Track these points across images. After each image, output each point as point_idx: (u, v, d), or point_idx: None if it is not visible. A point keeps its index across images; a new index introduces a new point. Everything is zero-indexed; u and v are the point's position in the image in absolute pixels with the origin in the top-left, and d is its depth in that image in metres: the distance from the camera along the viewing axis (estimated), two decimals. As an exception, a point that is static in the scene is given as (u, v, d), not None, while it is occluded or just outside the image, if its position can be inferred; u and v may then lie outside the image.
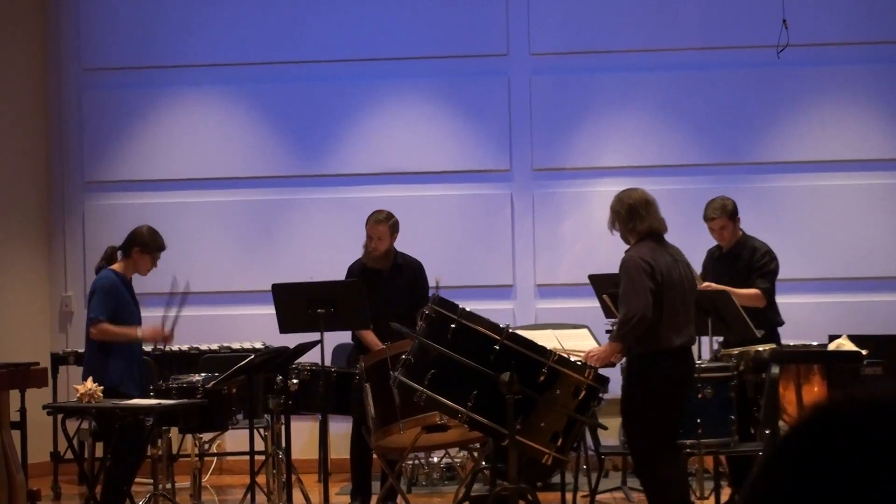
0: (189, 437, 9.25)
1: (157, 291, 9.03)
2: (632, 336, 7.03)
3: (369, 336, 8.59)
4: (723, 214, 8.80)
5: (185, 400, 8.16)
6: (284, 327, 8.44)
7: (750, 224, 9.07)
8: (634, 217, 7.19)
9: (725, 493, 8.43)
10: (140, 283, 8.64)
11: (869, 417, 1.24)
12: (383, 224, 8.86)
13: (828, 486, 1.22)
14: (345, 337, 9.27)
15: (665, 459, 7.11)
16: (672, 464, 7.18)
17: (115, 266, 8.40)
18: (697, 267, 7.98)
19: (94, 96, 11.35)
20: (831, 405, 1.27)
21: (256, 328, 10.35)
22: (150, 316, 8.65)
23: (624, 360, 7.35)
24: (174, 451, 8.88)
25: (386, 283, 8.80)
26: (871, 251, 10.74)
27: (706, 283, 8.50)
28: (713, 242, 9.00)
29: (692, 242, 8.63)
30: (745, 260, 8.81)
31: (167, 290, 8.64)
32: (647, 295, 6.97)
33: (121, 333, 8.23)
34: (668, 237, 7.37)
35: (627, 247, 7.27)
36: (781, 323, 8.84)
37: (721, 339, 8.73)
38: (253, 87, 11.26)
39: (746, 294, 8.61)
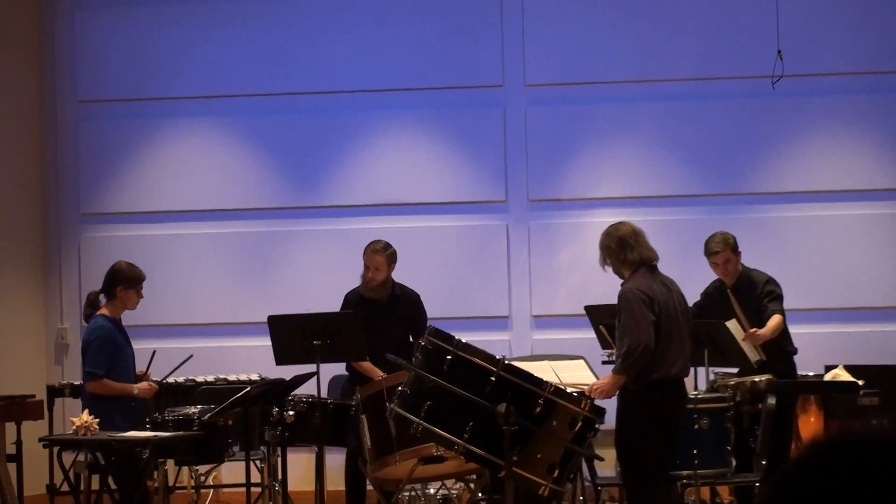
0: (185, 469, 9.22)
1: (150, 323, 9.00)
2: (635, 368, 7.05)
3: (367, 364, 8.57)
4: (726, 248, 8.75)
5: (181, 432, 8.13)
6: (280, 359, 8.43)
7: (746, 254, 9.06)
8: (625, 248, 7.23)
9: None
10: (142, 315, 8.63)
11: (867, 454, 1.24)
12: (380, 254, 8.84)
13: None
14: (340, 368, 9.26)
15: (658, 490, 7.10)
16: (665, 494, 7.17)
17: (103, 310, 8.34)
18: (692, 299, 7.96)
19: (90, 128, 11.36)
20: (829, 442, 1.27)
21: (252, 360, 10.32)
22: (142, 348, 8.64)
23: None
24: (170, 483, 8.84)
25: (383, 314, 8.78)
26: (867, 281, 10.72)
27: (753, 330, 8.45)
28: (709, 273, 8.96)
29: (688, 273, 8.62)
30: (747, 294, 8.76)
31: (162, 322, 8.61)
32: (648, 326, 7.02)
33: (118, 389, 8.21)
34: (664, 268, 7.38)
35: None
36: (795, 352, 8.79)
37: (716, 369, 8.72)
38: (249, 119, 11.27)
39: (771, 327, 8.54)
